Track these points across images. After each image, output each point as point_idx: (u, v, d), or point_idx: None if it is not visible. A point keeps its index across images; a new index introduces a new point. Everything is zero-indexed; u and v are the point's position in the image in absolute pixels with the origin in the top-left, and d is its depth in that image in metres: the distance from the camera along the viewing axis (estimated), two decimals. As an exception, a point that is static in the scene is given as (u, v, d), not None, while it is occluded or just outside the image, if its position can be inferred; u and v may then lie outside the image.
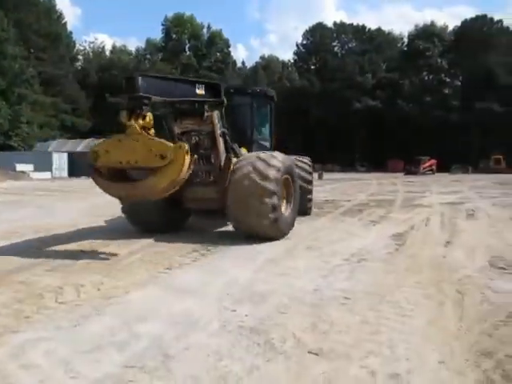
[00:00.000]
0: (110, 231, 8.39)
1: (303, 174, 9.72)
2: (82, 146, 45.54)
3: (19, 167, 33.50)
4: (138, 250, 6.57)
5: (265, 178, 6.89)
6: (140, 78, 5.93)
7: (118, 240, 7.44)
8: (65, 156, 37.77)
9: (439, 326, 3.61)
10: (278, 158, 7.35)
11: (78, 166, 37.28)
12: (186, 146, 5.90)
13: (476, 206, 12.47)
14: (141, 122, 5.91)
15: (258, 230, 7.14)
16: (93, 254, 6.33)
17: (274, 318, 3.78)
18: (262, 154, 7.37)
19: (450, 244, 7.02)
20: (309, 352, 3.10)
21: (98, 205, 14.01)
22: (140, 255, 6.24)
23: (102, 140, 6.43)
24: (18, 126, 45.09)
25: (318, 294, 4.44)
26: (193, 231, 8.45)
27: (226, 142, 7.62)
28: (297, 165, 9.23)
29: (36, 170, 33.99)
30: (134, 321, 3.71)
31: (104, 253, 6.41)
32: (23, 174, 32.41)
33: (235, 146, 7.94)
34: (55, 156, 36.85)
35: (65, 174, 36.70)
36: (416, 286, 4.71)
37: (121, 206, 7.95)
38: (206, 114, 7.41)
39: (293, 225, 7.98)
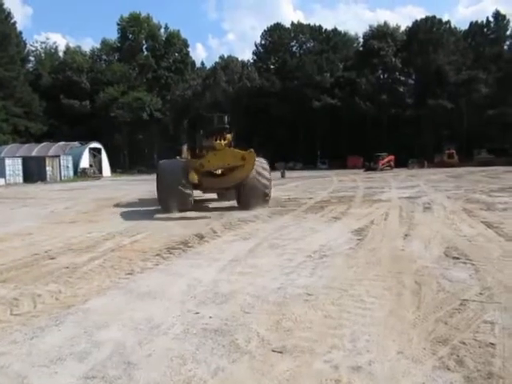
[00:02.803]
0: (70, 237, 8.11)
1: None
2: (36, 150, 43.81)
3: (-31, 174, 31.90)
4: (99, 256, 6.39)
5: (265, 178, 11.70)
6: (227, 116, 12.59)
7: (79, 246, 7.22)
8: (19, 161, 36.16)
9: (398, 316, 3.72)
10: (266, 166, 12.04)
11: (33, 171, 35.87)
12: (253, 152, 10.61)
13: (432, 200, 12.97)
14: (224, 141, 11.43)
15: (261, 205, 11.58)
16: (51, 263, 6.10)
17: (238, 318, 3.78)
18: (260, 162, 11.72)
19: (408, 236, 7.26)
20: (273, 350, 3.13)
21: (58, 210, 13.54)
22: (101, 261, 6.08)
23: (205, 157, 11.09)
24: (-35, 131, 42.86)
25: (281, 291, 4.48)
26: (156, 235, 8.32)
27: None
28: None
29: (-13, 176, 32.44)
30: (95, 329, 3.61)
31: (63, 260, 6.19)
32: (-27, 182, 30.85)
33: None
34: (8, 161, 35.20)
35: (20, 179, 35.15)
36: (376, 278, 4.85)
37: (158, 197, 11.94)
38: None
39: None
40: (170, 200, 11.21)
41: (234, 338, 3.33)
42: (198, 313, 3.91)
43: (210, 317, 3.80)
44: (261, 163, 11.69)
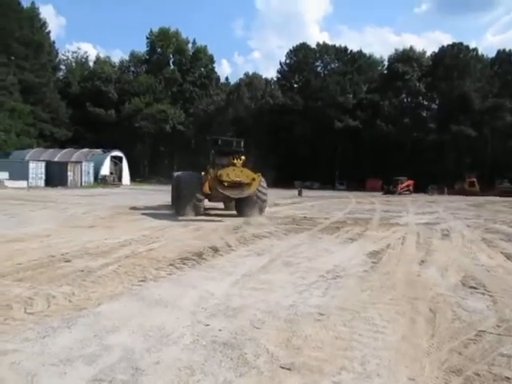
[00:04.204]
0: (87, 242, 8.23)
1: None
2: (59, 155, 44.81)
3: (-6, 175, 32.71)
4: (114, 262, 6.46)
5: (264, 194, 14.36)
6: (242, 141, 14.94)
7: (94, 251, 7.32)
8: (42, 165, 36.99)
9: (411, 342, 3.65)
10: (265, 185, 14.49)
11: (55, 176, 36.62)
12: (260, 175, 13.38)
13: (450, 227, 12.74)
14: (240, 161, 13.73)
15: (257, 215, 14.04)
16: (66, 265, 6.19)
17: (248, 332, 3.76)
18: (262, 181, 13.89)
19: (424, 262, 7.13)
20: (281, 367, 3.10)
21: (76, 215, 13.78)
22: (115, 267, 6.14)
23: (223, 169, 13.02)
24: (-6, 133, 44.19)
25: (293, 309, 4.44)
26: (171, 245, 8.37)
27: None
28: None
29: (11, 178, 33.18)
30: (105, 333, 3.64)
31: (78, 263, 6.27)
32: (-2, 182, 31.62)
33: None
34: (32, 165, 36.02)
35: (41, 183, 35.89)
36: (390, 302, 4.77)
37: (172, 204, 15.05)
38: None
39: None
40: (184, 206, 13.52)
41: (243, 352, 3.31)
42: (208, 325, 3.91)
43: (220, 329, 3.79)
44: (262, 182, 13.98)
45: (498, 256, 7.90)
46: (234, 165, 13.46)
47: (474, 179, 48.34)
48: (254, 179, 13.06)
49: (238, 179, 12.95)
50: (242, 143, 15.09)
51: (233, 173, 12.98)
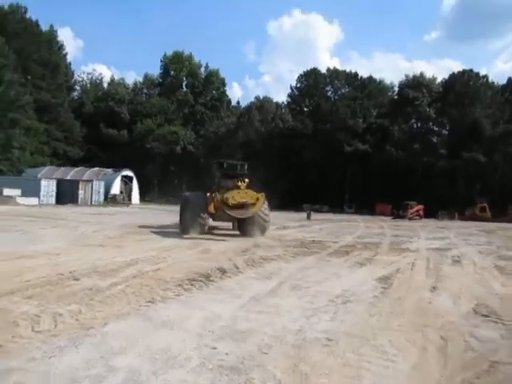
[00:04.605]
0: (96, 260, 8.24)
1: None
2: (71, 173, 45.42)
3: (6, 192, 33.12)
4: (121, 281, 6.45)
5: (266, 217, 14.93)
6: (247, 164, 16.06)
7: (103, 270, 7.32)
8: (54, 183, 37.49)
9: (423, 372, 3.56)
10: (267, 206, 14.86)
11: (66, 194, 37.02)
12: (264, 196, 13.97)
13: (461, 253, 12.55)
14: (244, 183, 14.37)
15: (258, 236, 14.50)
16: (75, 283, 6.20)
17: (255, 357, 3.70)
18: (264, 205, 14.43)
19: (435, 289, 7.01)
20: (289, 394, 3.03)
21: (86, 233, 13.85)
22: (123, 286, 6.13)
23: (228, 192, 13.83)
24: (8, 151, 44.94)
25: (300, 334, 4.37)
26: (178, 265, 8.35)
27: None
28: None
29: (24, 195, 33.59)
30: (112, 354, 3.61)
31: (87, 282, 6.27)
32: (10, 199, 31.98)
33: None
34: (44, 182, 36.52)
35: (52, 200, 36.28)
36: (400, 329, 4.68)
37: (180, 223, 15.15)
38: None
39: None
40: (190, 225, 14.26)
41: (250, 377, 3.26)
42: (215, 348, 3.86)
43: (227, 353, 3.74)
44: (264, 203, 14.50)
45: (511, 283, 7.74)
46: (239, 187, 14.21)
47: (486, 205, 47.85)
48: (257, 199, 13.84)
49: (243, 200, 13.72)
50: (246, 166, 15.96)
51: (238, 195, 13.79)
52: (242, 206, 13.70)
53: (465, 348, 4.19)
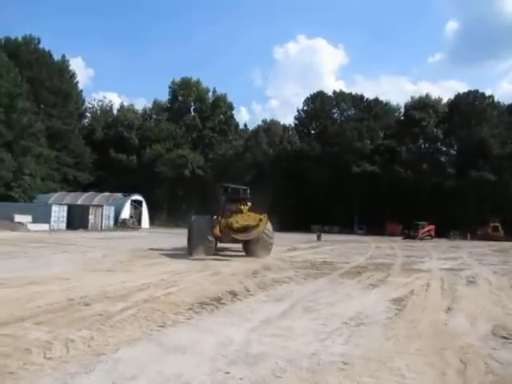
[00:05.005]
0: (106, 285, 8.22)
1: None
2: (82, 199, 45.81)
3: (18, 218, 33.42)
4: (132, 306, 6.41)
5: (270, 237, 15.62)
6: (248, 188, 16.92)
7: (113, 295, 7.29)
8: (64, 208, 37.79)
9: (442, 396, 3.45)
10: (270, 226, 15.64)
11: (76, 219, 37.25)
12: (266, 217, 14.64)
13: (476, 273, 12.32)
14: (246, 207, 15.37)
15: (264, 256, 15.06)
16: (85, 309, 6.16)
17: (269, 382, 3.63)
18: (267, 226, 15.05)
19: (450, 310, 6.86)
20: (305, 420, 2.95)
21: (96, 258, 13.86)
22: (134, 311, 6.08)
23: (232, 216, 14.73)
24: (20, 178, 45.60)
25: (315, 357, 4.28)
26: (189, 289, 8.29)
27: None
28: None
29: (35, 221, 33.86)
30: (124, 380, 3.56)
31: (97, 307, 6.24)
32: (21, 225, 32.25)
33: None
34: (54, 208, 36.83)
35: (63, 226, 36.51)
36: (417, 353, 4.56)
37: (187, 245, 15.96)
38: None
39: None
40: (196, 246, 14.77)
41: (265, 403, 3.18)
42: (228, 372, 3.79)
43: (241, 378, 3.67)
44: (267, 224, 15.12)
45: (528, 305, 7.55)
46: (242, 211, 15.13)
47: (498, 224, 47.21)
48: (260, 220, 14.49)
49: (246, 223, 14.50)
50: (248, 191, 16.83)
51: (242, 219, 14.59)
52: (245, 228, 14.47)
53: (485, 371, 4.06)
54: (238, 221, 14.46)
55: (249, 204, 15.74)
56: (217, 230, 14.53)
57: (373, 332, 5.37)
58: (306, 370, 3.94)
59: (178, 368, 3.87)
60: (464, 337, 5.25)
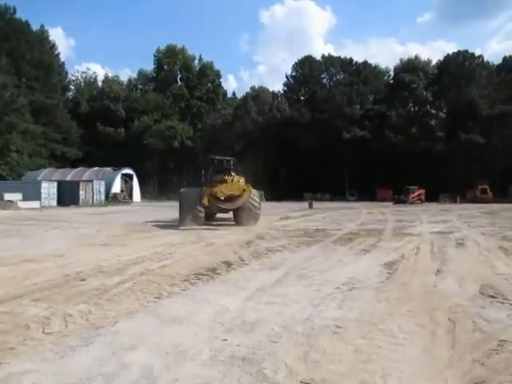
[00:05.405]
0: (101, 260, 8.27)
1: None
2: (71, 174, 45.38)
3: (7, 196, 33.09)
4: (128, 279, 6.48)
5: (257, 206, 16.08)
6: (233, 160, 17.38)
7: (109, 269, 7.35)
8: (54, 185, 37.45)
9: (432, 354, 3.59)
10: (257, 196, 16.29)
11: (66, 195, 37.01)
12: (250, 187, 15.69)
13: (465, 236, 12.59)
14: (231, 177, 16.16)
15: (252, 224, 15.65)
16: (82, 284, 6.22)
17: (265, 347, 3.73)
18: (253, 193, 15.82)
19: (440, 272, 7.04)
20: (301, 382, 3.06)
21: (90, 233, 13.88)
22: (130, 284, 6.16)
23: (217, 186, 15.53)
24: (7, 155, 44.87)
25: (309, 322, 4.40)
26: (184, 261, 8.38)
27: None
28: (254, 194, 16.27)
29: (25, 199, 33.56)
30: (123, 351, 3.64)
31: (93, 282, 6.30)
32: (11, 204, 31.97)
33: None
34: (44, 185, 36.48)
35: (54, 203, 36.30)
36: (408, 314, 4.71)
37: (179, 215, 16.03)
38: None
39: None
40: (186, 217, 15.43)
41: (262, 367, 3.29)
42: (225, 340, 3.89)
43: (238, 344, 3.77)
44: (253, 194, 15.86)
45: (515, 264, 7.77)
46: (226, 181, 15.90)
47: (487, 186, 47.87)
48: (244, 190, 15.38)
49: (230, 193, 15.37)
50: (232, 162, 17.42)
51: (225, 188, 15.50)
52: (230, 198, 15.34)
53: (473, 329, 4.22)
54: (222, 190, 15.35)
55: (233, 174, 16.48)
56: (205, 200, 15.16)
57: (365, 296, 5.52)
58: (301, 334, 4.06)
59: (176, 338, 3.96)
60: (453, 297, 5.41)
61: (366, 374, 3.20)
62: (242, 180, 17.94)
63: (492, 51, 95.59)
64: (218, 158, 17.75)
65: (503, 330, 4.16)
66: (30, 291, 5.75)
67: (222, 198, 15.34)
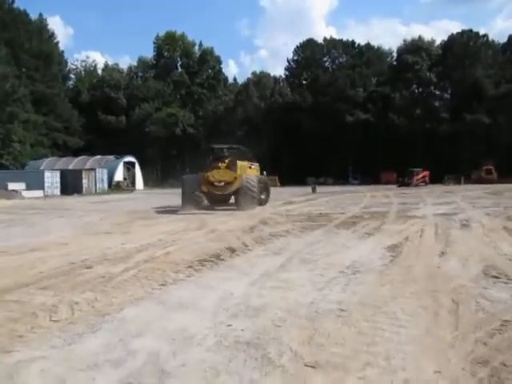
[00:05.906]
0: (106, 248, 8.33)
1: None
2: (74, 163, 45.48)
3: (11, 186, 33.28)
4: (133, 267, 6.53)
5: (253, 188, 16.42)
6: (226, 148, 18.06)
7: (114, 256, 7.41)
8: (57, 174, 37.57)
9: (435, 335, 3.62)
10: (255, 179, 16.88)
11: (69, 184, 37.15)
12: (243, 175, 16.65)
13: (469, 217, 12.56)
14: (224, 164, 17.03)
15: (251, 208, 16.05)
16: (87, 272, 6.28)
17: (270, 331, 3.77)
18: (250, 179, 16.66)
19: (444, 254, 7.05)
20: (306, 365, 3.10)
21: (93, 221, 13.97)
22: (135, 271, 6.21)
23: (212, 171, 16.66)
24: (9, 145, 44.97)
25: (313, 306, 4.43)
26: (188, 248, 8.43)
27: None
28: (262, 179, 18.40)
29: (28, 188, 33.77)
30: (130, 337, 3.68)
31: (99, 270, 6.36)
32: (15, 193, 32.17)
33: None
34: (47, 174, 36.61)
35: (57, 192, 36.48)
36: (411, 296, 4.73)
37: (181, 201, 17.07)
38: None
39: (267, 201, 18.89)
40: (186, 202, 16.49)
41: (267, 352, 3.32)
42: (230, 325, 3.93)
43: (242, 329, 3.81)
44: (250, 179, 16.63)
45: (519, 244, 7.76)
46: (219, 167, 16.83)
47: (491, 167, 47.58)
48: (235, 178, 16.40)
49: (222, 179, 16.47)
50: (226, 150, 18.12)
51: (217, 174, 16.57)
52: (222, 184, 16.43)
53: (476, 309, 4.24)
54: (214, 175, 16.52)
55: (227, 161, 17.24)
56: (204, 186, 16.43)
57: (369, 279, 5.54)
58: (306, 318, 4.09)
59: (181, 323, 4.00)
60: (456, 278, 5.43)
61: (369, 356, 3.23)
62: (256, 165, 19.60)
63: (497, 29, 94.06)
64: (217, 146, 18.59)
65: (506, 310, 4.17)
66: (37, 280, 5.81)
67: (216, 183, 16.42)
